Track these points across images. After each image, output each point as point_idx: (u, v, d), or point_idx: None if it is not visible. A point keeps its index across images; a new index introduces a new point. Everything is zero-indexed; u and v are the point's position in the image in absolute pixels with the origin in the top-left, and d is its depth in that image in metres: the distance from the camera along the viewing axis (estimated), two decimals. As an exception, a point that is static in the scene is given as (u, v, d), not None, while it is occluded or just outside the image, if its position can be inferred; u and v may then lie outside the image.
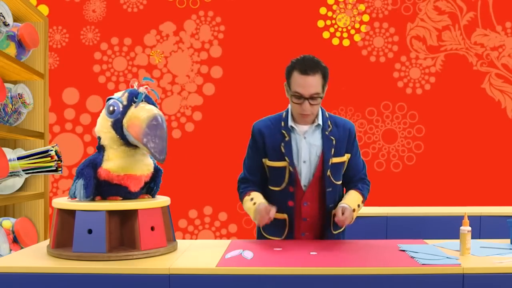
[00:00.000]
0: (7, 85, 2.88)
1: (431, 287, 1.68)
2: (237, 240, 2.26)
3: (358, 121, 4.17)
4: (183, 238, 4.14)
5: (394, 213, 3.54)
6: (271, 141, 2.24)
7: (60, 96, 4.13)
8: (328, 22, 4.16)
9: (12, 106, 2.84)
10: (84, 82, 4.15)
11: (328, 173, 2.22)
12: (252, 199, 2.22)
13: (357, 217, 2.36)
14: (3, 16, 2.58)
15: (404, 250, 1.95)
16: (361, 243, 2.15)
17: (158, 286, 1.68)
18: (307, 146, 2.22)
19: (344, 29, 4.16)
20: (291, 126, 2.23)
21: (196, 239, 4.16)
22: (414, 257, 1.82)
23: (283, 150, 2.21)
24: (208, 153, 4.16)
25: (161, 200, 1.97)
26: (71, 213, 1.87)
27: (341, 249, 2.01)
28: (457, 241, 2.08)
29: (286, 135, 2.22)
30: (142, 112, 1.83)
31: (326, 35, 4.16)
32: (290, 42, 4.14)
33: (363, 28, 4.16)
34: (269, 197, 2.28)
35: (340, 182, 2.31)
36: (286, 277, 1.68)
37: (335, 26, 4.16)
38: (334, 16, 4.16)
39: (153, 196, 2.05)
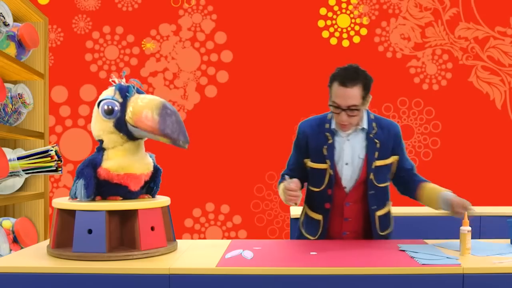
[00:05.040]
0: (7, 85, 2.88)
1: (431, 287, 1.68)
2: (237, 240, 2.27)
3: None
4: (192, 233, 4.19)
5: (394, 213, 3.51)
6: (314, 142, 2.25)
7: (78, 92, 4.16)
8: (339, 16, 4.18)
9: (12, 106, 2.84)
10: (96, 79, 4.18)
11: (371, 176, 2.21)
12: (284, 180, 2.17)
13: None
14: (3, 16, 2.59)
15: (404, 250, 1.95)
16: (361, 243, 2.16)
17: (158, 286, 1.68)
18: (350, 148, 2.22)
19: (354, 26, 4.17)
20: (334, 129, 2.23)
21: (203, 234, 4.19)
22: (414, 257, 1.82)
23: (325, 152, 2.22)
24: (210, 150, 4.17)
25: (161, 200, 1.97)
26: (71, 213, 1.87)
27: (341, 249, 2.01)
28: (457, 241, 2.08)
29: (329, 137, 2.22)
30: (146, 104, 1.82)
31: (333, 34, 4.18)
32: (298, 41, 4.15)
33: (363, 24, 4.16)
34: (309, 197, 2.35)
35: (385, 185, 2.29)
36: (286, 277, 1.68)
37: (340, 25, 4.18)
38: (341, 13, 4.17)
39: (153, 196, 2.05)
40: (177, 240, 2.10)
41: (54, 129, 4.16)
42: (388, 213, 2.37)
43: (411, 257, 1.84)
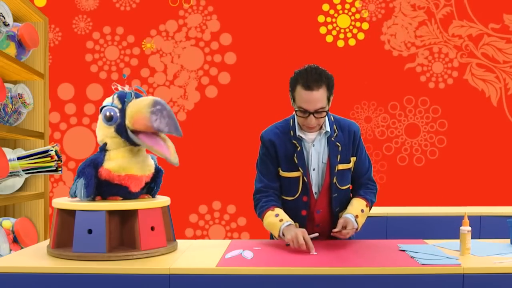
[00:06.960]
0: (7, 85, 2.89)
1: (431, 287, 1.68)
2: (237, 240, 2.26)
3: (380, 115, 4.18)
4: (195, 229, 4.20)
5: (394, 213, 3.54)
6: (283, 150, 2.21)
7: (84, 91, 4.17)
8: (353, 16, 4.18)
9: (12, 106, 2.84)
10: (98, 79, 4.18)
11: (335, 180, 2.21)
12: (277, 215, 2.13)
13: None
14: (3, 16, 2.59)
15: (404, 250, 1.95)
16: (361, 243, 2.16)
17: (158, 286, 1.68)
18: (315, 153, 2.21)
19: (352, 29, 4.17)
20: (300, 136, 2.20)
21: (206, 231, 4.20)
22: (414, 257, 1.82)
23: (296, 160, 2.19)
24: (209, 149, 4.17)
25: (161, 200, 1.97)
26: (71, 213, 1.87)
27: (341, 249, 2.01)
28: (457, 241, 2.08)
29: (297, 145, 2.20)
30: (139, 104, 1.84)
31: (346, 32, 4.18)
32: (299, 42, 4.15)
33: (364, 20, 4.16)
34: (282, 206, 2.26)
35: (347, 186, 2.29)
36: (286, 277, 1.68)
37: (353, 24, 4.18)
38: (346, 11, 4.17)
39: (153, 196, 2.05)
40: (177, 240, 2.10)
41: (59, 126, 4.17)
42: None
43: (411, 257, 1.84)
